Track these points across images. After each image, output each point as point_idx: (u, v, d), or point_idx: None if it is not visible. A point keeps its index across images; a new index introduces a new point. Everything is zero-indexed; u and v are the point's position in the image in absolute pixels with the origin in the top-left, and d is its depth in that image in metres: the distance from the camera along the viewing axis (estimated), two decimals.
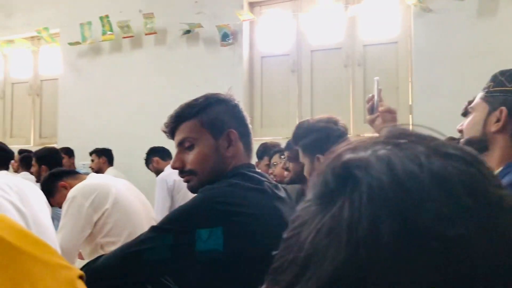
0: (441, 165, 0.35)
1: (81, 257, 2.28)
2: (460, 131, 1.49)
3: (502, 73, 1.35)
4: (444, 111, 3.39)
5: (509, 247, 0.33)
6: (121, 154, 4.89)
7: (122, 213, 2.13)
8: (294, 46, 4.67)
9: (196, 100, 1.29)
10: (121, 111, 5.14)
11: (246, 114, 1.34)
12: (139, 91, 5.10)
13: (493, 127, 1.32)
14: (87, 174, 2.44)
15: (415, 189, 0.33)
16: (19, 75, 6.07)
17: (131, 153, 4.78)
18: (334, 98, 4.49)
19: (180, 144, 1.28)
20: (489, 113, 1.33)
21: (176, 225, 1.11)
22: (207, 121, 1.26)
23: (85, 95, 5.37)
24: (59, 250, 1.78)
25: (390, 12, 4.36)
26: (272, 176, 2.94)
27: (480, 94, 1.39)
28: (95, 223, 2.09)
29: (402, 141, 0.37)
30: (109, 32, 5.11)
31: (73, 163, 4.83)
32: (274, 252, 0.41)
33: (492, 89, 1.35)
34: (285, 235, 0.40)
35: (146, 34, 4.95)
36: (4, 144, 3.35)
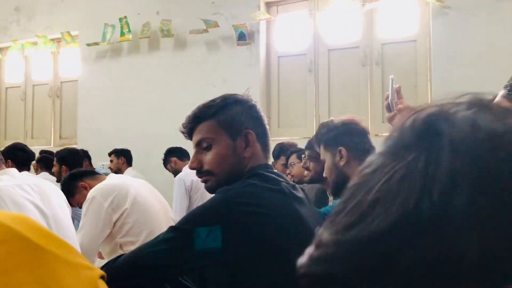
0: None
1: (100, 257, 2.31)
2: None
3: None
4: None
5: None
6: (139, 154, 4.94)
7: (141, 213, 2.15)
8: (311, 45, 4.65)
9: (213, 100, 1.30)
10: (140, 112, 5.19)
11: (263, 114, 1.34)
12: (157, 92, 5.14)
13: None
14: (106, 174, 2.46)
15: (500, 147, 0.34)
16: (40, 77, 6.18)
17: (150, 154, 4.82)
18: (351, 97, 4.47)
19: (197, 145, 1.29)
20: None
21: (194, 225, 1.12)
22: (224, 122, 1.26)
23: (104, 96, 5.44)
24: (79, 250, 1.81)
25: (408, 10, 4.31)
26: (289, 176, 2.94)
27: (502, 92, 1.37)
28: (114, 223, 2.11)
29: (485, 103, 0.38)
30: (127, 34, 5.16)
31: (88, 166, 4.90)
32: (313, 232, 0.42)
33: None
34: (350, 183, 0.40)
35: (162, 37, 4.98)
36: (24, 145, 3.42)
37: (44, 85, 6.12)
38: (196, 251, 1.09)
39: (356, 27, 4.49)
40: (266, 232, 1.09)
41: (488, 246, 0.32)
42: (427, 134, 0.36)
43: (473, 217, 0.32)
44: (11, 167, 2.00)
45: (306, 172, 2.48)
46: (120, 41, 5.24)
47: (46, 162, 4.04)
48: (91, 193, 2.14)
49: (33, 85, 6.23)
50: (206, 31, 4.75)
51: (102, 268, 1.12)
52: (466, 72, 3.84)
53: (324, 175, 1.80)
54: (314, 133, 1.95)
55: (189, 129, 1.31)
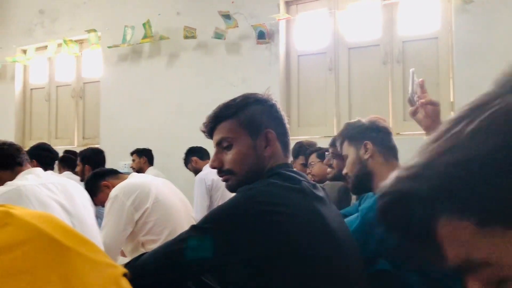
0: None
1: (123, 255, 2.34)
2: None
3: None
4: None
5: None
6: (160, 154, 4.99)
7: (162, 212, 2.17)
8: (331, 43, 4.63)
9: (234, 100, 1.31)
10: (161, 112, 5.24)
11: (283, 114, 1.34)
12: (177, 92, 5.18)
13: None
14: (128, 173, 2.49)
15: None
16: (63, 78, 6.29)
17: (170, 153, 4.86)
18: (372, 96, 4.43)
19: (218, 144, 1.30)
20: None
21: (216, 224, 1.13)
22: (244, 121, 1.27)
23: (126, 97, 5.51)
24: (102, 248, 1.83)
25: (429, 6, 4.25)
26: (310, 176, 2.93)
27: None
28: (136, 222, 2.14)
29: None
30: (149, 36, 5.22)
31: None
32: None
33: None
34: (449, 117, 0.42)
35: (184, 39, 5.01)
36: (48, 145, 3.48)
37: (67, 86, 6.22)
38: (216, 250, 1.10)
39: (376, 24, 4.45)
40: (286, 231, 1.09)
41: None
42: None
43: None
44: (36, 166, 2.04)
45: (329, 170, 2.47)
46: (140, 43, 5.29)
47: (68, 161, 4.11)
48: (113, 192, 2.18)
49: (57, 86, 6.34)
50: (225, 31, 4.76)
51: (125, 266, 1.13)
52: (489, 70, 3.76)
53: (344, 171, 1.79)
54: (334, 132, 1.95)
55: (210, 128, 1.32)
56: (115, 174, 2.44)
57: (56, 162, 3.60)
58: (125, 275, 0.86)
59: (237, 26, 4.72)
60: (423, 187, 0.39)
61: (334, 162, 2.37)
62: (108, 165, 3.64)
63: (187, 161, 4.46)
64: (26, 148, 2.46)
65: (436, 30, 4.19)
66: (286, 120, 1.34)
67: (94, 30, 5.59)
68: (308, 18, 4.79)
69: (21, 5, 6.44)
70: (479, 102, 0.40)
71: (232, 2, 4.84)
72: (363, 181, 1.72)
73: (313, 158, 3.03)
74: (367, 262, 1.35)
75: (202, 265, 1.12)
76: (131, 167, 4.93)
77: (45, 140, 5.04)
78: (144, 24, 5.17)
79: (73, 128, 6.15)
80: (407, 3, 4.29)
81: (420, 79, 1.66)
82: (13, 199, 1.68)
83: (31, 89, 6.54)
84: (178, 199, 2.35)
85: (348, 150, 1.78)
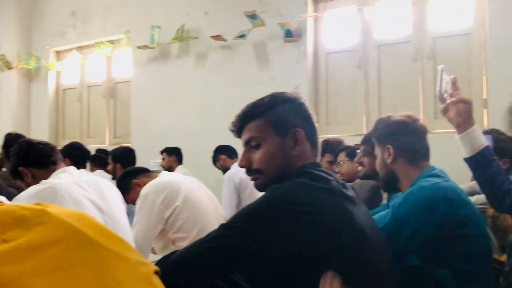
0: None
1: (153, 252, 2.37)
2: None
3: None
4: None
5: None
6: (189, 152, 5.04)
7: (192, 210, 2.20)
8: (360, 41, 4.57)
9: (262, 99, 1.31)
10: (190, 111, 5.29)
11: (312, 112, 1.33)
12: (206, 91, 5.22)
13: None
14: (159, 172, 2.52)
15: None
16: (94, 79, 6.41)
17: (199, 152, 4.91)
18: (402, 93, 4.36)
19: (247, 143, 1.30)
20: None
21: (245, 223, 1.13)
22: (273, 121, 1.27)
23: (156, 96, 5.58)
24: (133, 245, 1.87)
25: (462, 2, 4.15)
26: (339, 175, 2.89)
27: None
28: (167, 219, 2.17)
29: None
30: (179, 38, 5.28)
31: None
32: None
33: None
34: None
35: (211, 37, 5.05)
36: (81, 144, 3.55)
37: (98, 86, 6.35)
38: (245, 249, 1.10)
39: (406, 21, 4.37)
40: (315, 231, 1.09)
41: None
42: None
43: None
44: (69, 165, 2.08)
45: (360, 168, 2.44)
46: (170, 43, 5.35)
47: (99, 160, 4.18)
48: (144, 190, 2.21)
49: (88, 86, 6.48)
50: (248, 30, 4.76)
51: (156, 264, 1.15)
52: None
53: (376, 166, 1.80)
54: (364, 130, 1.94)
55: (238, 127, 1.32)
56: (145, 173, 2.48)
57: (88, 160, 3.68)
58: (156, 272, 0.87)
59: (264, 25, 4.72)
60: None
61: (365, 160, 2.35)
62: (139, 163, 3.69)
63: (215, 159, 4.49)
64: (60, 147, 2.52)
65: (468, 26, 4.09)
66: (314, 119, 1.33)
67: (128, 32, 5.68)
68: (336, 16, 4.75)
69: (54, 8, 6.60)
70: None
71: (260, 1, 4.83)
72: (389, 183, 1.75)
73: (342, 157, 2.99)
74: (397, 258, 1.34)
75: (232, 264, 1.13)
76: (161, 165, 5.00)
77: (77, 139, 5.14)
78: (177, 30, 5.22)
79: (105, 127, 6.27)
80: None
81: (452, 76, 1.63)
82: (48, 197, 1.72)
83: (64, 89, 6.70)
84: (207, 197, 2.37)
85: (377, 151, 1.78)
